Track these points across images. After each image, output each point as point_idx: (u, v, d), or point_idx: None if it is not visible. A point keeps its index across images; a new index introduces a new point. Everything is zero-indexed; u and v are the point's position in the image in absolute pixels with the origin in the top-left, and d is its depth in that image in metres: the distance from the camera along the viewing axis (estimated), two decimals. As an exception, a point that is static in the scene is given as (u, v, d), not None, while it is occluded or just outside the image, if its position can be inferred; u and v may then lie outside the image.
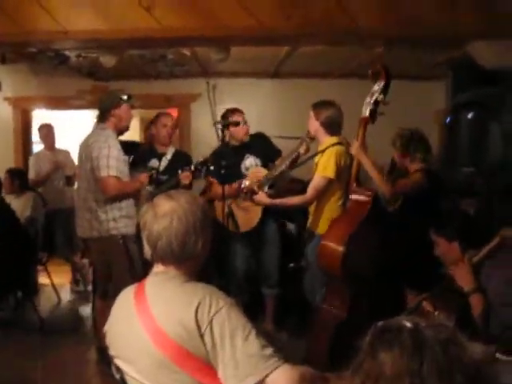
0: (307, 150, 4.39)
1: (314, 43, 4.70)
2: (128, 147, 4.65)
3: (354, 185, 3.86)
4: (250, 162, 4.92)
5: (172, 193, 2.13)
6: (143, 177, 4.46)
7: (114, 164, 4.15)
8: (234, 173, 4.77)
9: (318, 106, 4.28)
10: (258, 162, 4.90)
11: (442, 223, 3.15)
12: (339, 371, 1.51)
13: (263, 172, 4.70)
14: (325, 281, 3.99)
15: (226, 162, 4.62)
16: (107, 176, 4.13)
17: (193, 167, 4.70)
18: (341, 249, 3.62)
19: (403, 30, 4.04)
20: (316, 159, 4.28)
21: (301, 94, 6.53)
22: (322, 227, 4.15)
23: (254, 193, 4.45)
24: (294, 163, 4.46)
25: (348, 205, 3.93)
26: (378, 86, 3.76)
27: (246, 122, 4.85)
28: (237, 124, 4.77)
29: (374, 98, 3.76)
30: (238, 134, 4.84)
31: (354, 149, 3.87)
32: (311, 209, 4.36)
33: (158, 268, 2.10)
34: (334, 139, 4.20)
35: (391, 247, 3.71)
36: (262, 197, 4.43)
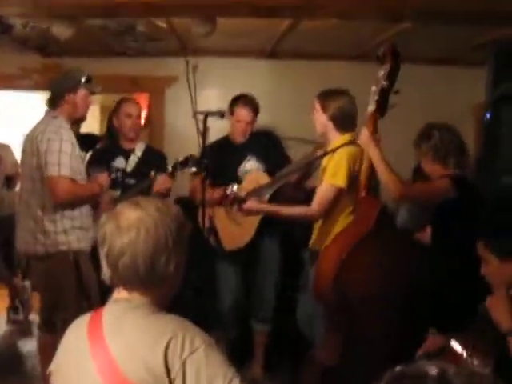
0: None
1: (321, 16, 4.71)
2: (85, 141, 4.64)
3: (363, 193, 3.79)
4: (250, 165, 4.94)
5: (139, 199, 2.12)
6: (103, 178, 4.46)
7: (66, 161, 4.15)
8: (228, 175, 4.79)
9: (326, 96, 4.25)
10: (261, 166, 4.92)
11: (493, 236, 3.12)
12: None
13: (263, 179, 4.69)
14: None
15: (220, 160, 4.61)
16: (57, 176, 4.12)
17: (170, 168, 4.69)
18: (334, 268, 3.57)
19: (434, 0, 4.03)
20: (324, 162, 4.25)
21: (303, 79, 6.56)
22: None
23: (242, 201, 4.41)
24: (307, 174, 4.46)
25: (353, 218, 3.92)
26: (382, 71, 3.72)
27: (248, 122, 4.88)
28: (239, 121, 4.83)
29: (379, 87, 3.72)
30: (234, 130, 4.88)
31: (363, 136, 3.80)
32: (316, 225, 4.33)
33: (119, 294, 2.09)
34: (347, 137, 4.16)
35: (406, 273, 3.63)
36: (252, 203, 4.38)
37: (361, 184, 3.82)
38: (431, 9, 4.19)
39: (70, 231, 4.24)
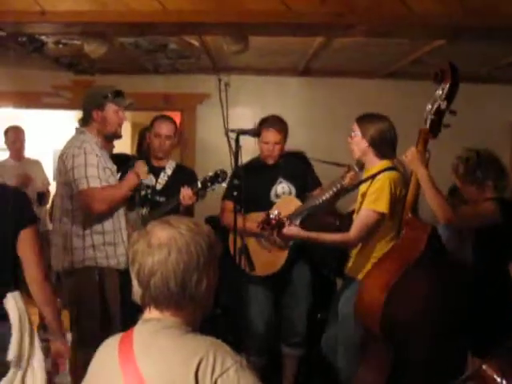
0: (353, 182, 4.28)
1: (355, 34, 4.69)
2: (118, 162, 4.64)
3: (409, 214, 3.71)
4: (282, 188, 4.92)
5: (170, 218, 2.12)
6: (139, 166, 4.45)
7: (94, 173, 4.15)
8: (260, 198, 4.76)
9: (366, 120, 4.18)
10: (293, 190, 4.90)
11: None
12: None
13: (295, 203, 4.66)
14: (359, 340, 3.93)
15: (253, 182, 4.59)
16: (87, 188, 4.12)
17: (199, 184, 4.68)
18: (381, 297, 3.48)
19: (472, 18, 3.98)
20: (363, 188, 4.18)
21: (336, 97, 6.57)
22: (363, 273, 4.02)
23: (282, 226, 4.33)
24: (336, 197, 4.42)
25: (397, 241, 3.83)
26: (441, 91, 3.65)
27: (275, 144, 4.86)
28: (266, 142, 4.83)
29: (435, 106, 3.65)
30: (262, 152, 4.88)
31: (410, 155, 3.73)
32: (353, 251, 4.26)
33: (149, 314, 2.09)
34: (387, 163, 4.11)
35: (452, 298, 3.57)
36: (292, 229, 4.30)
37: (407, 205, 3.74)
38: (467, 27, 4.14)
39: (98, 247, 4.25)
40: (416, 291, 3.53)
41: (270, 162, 4.90)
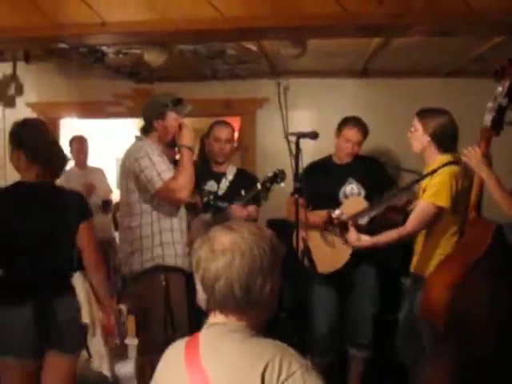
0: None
1: (413, 34, 4.66)
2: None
3: (473, 214, 3.68)
4: (351, 188, 4.93)
5: (232, 223, 2.15)
6: (184, 151, 4.37)
7: (163, 168, 4.18)
8: (328, 198, 4.77)
9: (427, 115, 4.19)
10: (362, 191, 4.92)
11: None
12: None
13: (363, 204, 4.66)
14: (429, 339, 3.90)
15: (321, 181, 4.60)
16: (163, 184, 4.15)
17: (259, 186, 4.70)
18: (446, 295, 3.47)
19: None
20: (423, 184, 4.17)
21: (395, 97, 6.51)
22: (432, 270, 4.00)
23: (345, 228, 4.36)
24: (409, 202, 4.41)
25: (462, 240, 3.81)
26: (501, 88, 3.61)
27: (356, 143, 4.91)
28: (348, 140, 4.86)
29: (496, 103, 3.62)
30: (340, 152, 4.89)
31: (474, 158, 3.68)
32: (417, 247, 4.24)
33: (215, 318, 2.12)
34: (448, 157, 4.08)
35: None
36: (355, 237, 4.30)
37: (471, 204, 3.70)
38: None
39: (168, 245, 4.27)
40: (479, 290, 3.48)
41: (345, 160, 4.92)
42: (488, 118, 3.64)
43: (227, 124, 5.30)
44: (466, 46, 5.38)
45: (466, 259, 3.58)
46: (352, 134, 4.89)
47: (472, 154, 3.69)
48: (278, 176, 4.69)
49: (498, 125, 3.63)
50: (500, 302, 3.45)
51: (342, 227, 4.34)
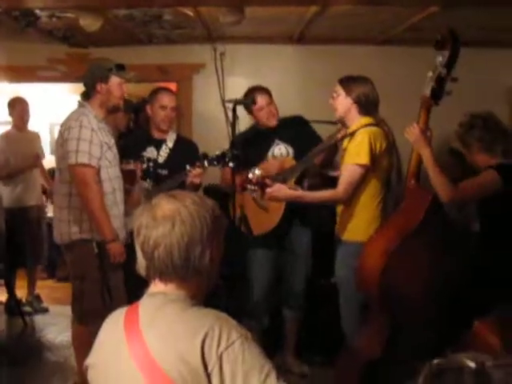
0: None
1: (349, 2, 4.70)
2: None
3: (412, 182, 3.77)
4: (279, 150, 4.96)
5: (175, 192, 2.16)
6: (112, 245, 4.29)
7: (85, 148, 4.17)
8: (257, 161, 4.78)
9: (350, 81, 4.26)
10: (291, 151, 4.94)
11: None
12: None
13: (288, 163, 4.72)
14: (359, 303, 4.01)
15: (249, 149, 4.63)
16: (75, 164, 4.17)
17: (206, 163, 4.69)
18: (381, 263, 3.56)
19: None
20: (344, 144, 4.25)
21: (332, 64, 6.52)
22: (351, 233, 4.14)
23: (265, 185, 4.39)
24: (330, 159, 4.46)
25: (399, 207, 3.87)
26: (441, 57, 3.68)
27: (270, 103, 4.90)
28: (260, 109, 4.85)
29: (436, 73, 3.68)
30: (261, 118, 4.90)
31: (413, 135, 3.76)
32: (338, 209, 4.31)
33: (155, 287, 2.13)
34: (368, 119, 4.19)
35: (455, 267, 3.61)
36: (277, 189, 4.29)
37: (410, 171, 3.79)
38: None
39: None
40: (414, 259, 3.58)
41: (271, 124, 4.94)
42: (427, 87, 3.71)
43: (171, 91, 5.31)
44: (400, 14, 5.44)
45: (402, 227, 3.67)
46: (264, 99, 4.92)
47: (411, 131, 3.77)
48: (226, 156, 4.62)
49: (437, 95, 3.69)
50: (433, 271, 3.55)
51: (264, 186, 4.37)
